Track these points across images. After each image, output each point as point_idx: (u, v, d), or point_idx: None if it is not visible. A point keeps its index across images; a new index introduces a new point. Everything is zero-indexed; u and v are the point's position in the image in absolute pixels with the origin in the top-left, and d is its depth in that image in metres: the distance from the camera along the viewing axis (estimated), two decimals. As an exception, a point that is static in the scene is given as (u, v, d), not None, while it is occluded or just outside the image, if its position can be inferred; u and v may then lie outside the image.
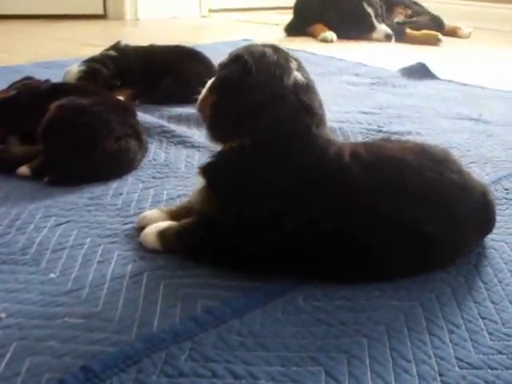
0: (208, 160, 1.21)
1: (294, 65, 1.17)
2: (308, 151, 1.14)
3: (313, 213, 1.12)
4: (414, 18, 4.49)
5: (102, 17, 4.77)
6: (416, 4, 4.74)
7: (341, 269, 1.14)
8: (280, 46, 1.23)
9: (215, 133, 1.20)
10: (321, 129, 1.17)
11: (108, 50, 2.36)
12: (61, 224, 1.34)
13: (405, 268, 1.16)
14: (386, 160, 1.19)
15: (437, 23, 4.56)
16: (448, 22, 4.69)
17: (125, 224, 1.36)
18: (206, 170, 1.20)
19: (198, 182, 1.23)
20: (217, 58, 2.84)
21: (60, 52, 3.31)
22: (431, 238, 1.15)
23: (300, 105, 1.14)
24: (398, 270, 1.15)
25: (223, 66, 1.21)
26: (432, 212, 1.15)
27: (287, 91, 1.13)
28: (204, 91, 1.24)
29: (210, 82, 1.24)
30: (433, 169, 1.18)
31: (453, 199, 1.18)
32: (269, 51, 1.18)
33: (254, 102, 1.13)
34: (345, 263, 1.13)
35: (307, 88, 1.17)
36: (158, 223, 1.28)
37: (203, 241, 1.19)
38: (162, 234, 1.24)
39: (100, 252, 1.24)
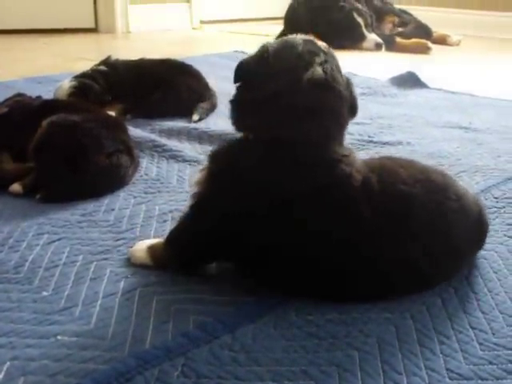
0: (219, 145, 1.21)
1: (319, 59, 1.09)
2: (307, 163, 1.10)
3: (296, 233, 1.10)
4: (400, 29, 4.50)
5: (94, 30, 4.78)
6: (405, 12, 4.77)
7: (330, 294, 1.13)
8: (314, 40, 1.16)
9: (231, 121, 1.17)
10: (332, 139, 1.12)
11: (98, 65, 2.38)
12: (53, 241, 1.35)
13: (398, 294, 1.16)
14: (395, 194, 1.14)
15: (424, 31, 4.59)
16: (437, 30, 4.72)
17: (117, 240, 1.36)
18: (212, 153, 1.19)
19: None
20: (208, 70, 2.90)
21: (52, 67, 3.32)
22: (430, 274, 1.15)
23: (303, 107, 1.08)
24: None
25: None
26: (432, 249, 1.14)
27: (296, 87, 1.08)
28: None
29: None
30: (436, 201, 1.16)
31: (452, 230, 1.17)
32: (299, 42, 1.12)
33: (262, 93, 1.09)
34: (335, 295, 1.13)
35: (323, 87, 1.09)
36: (148, 240, 1.28)
37: (191, 238, 1.19)
38: (151, 247, 1.25)
39: (92, 269, 1.24)
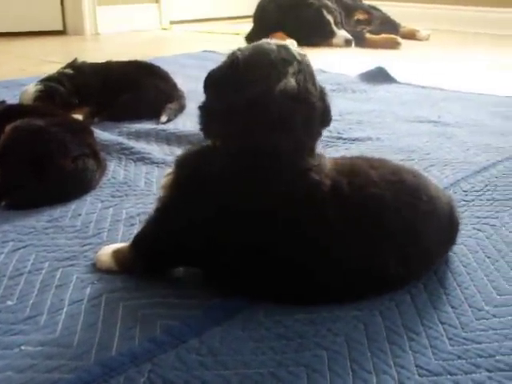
0: (186, 150, 1.20)
1: (292, 68, 1.07)
2: (272, 176, 1.08)
3: (264, 240, 1.08)
4: (368, 28, 4.52)
5: (62, 33, 4.74)
6: (374, 8, 4.79)
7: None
8: (289, 46, 1.12)
9: (200, 127, 1.15)
10: (302, 150, 1.10)
11: (65, 67, 2.35)
12: (19, 249, 1.32)
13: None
14: (366, 198, 1.12)
15: (392, 26, 4.62)
16: (406, 25, 4.75)
17: (83, 246, 1.34)
18: (179, 158, 1.17)
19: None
20: (177, 70, 2.88)
21: (19, 70, 3.28)
22: (401, 276, 1.15)
23: (275, 118, 1.05)
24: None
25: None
26: (403, 251, 1.13)
27: (268, 98, 1.05)
28: None
29: None
30: (407, 203, 1.15)
31: (424, 232, 1.16)
32: (272, 49, 1.08)
33: (231, 103, 1.07)
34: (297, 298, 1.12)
35: (296, 98, 1.06)
36: (113, 244, 1.26)
37: (156, 236, 1.17)
38: (116, 252, 1.24)
39: (58, 276, 1.22)
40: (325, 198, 1.10)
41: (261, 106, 1.05)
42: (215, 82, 1.11)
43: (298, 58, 1.10)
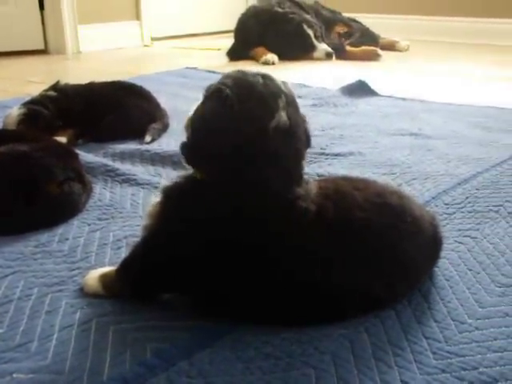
0: (174, 180, 1.18)
1: (281, 102, 1.08)
2: (263, 208, 1.09)
3: (246, 269, 1.09)
4: (347, 41, 4.57)
5: (43, 52, 4.75)
6: (354, 21, 4.84)
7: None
8: (271, 76, 1.13)
9: (185, 161, 1.15)
10: (292, 181, 1.12)
11: (47, 90, 2.35)
12: (7, 275, 1.33)
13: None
14: (351, 221, 1.14)
15: (371, 38, 4.68)
16: (386, 36, 4.80)
17: (72, 270, 1.35)
18: (166, 190, 1.17)
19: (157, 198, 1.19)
20: (159, 88, 2.90)
21: (2, 91, 3.28)
22: (385, 298, 1.17)
23: (270, 154, 1.07)
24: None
25: (207, 96, 1.12)
26: (388, 274, 1.15)
27: (263, 137, 1.06)
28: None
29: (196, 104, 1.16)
30: (391, 225, 1.17)
31: (408, 253, 1.18)
32: (258, 83, 1.09)
33: (225, 141, 1.06)
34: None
35: (288, 133, 1.08)
36: (101, 268, 1.28)
37: (143, 264, 1.18)
38: (103, 276, 1.25)
39: (48, 302, 1.23)
40: (310, 223, 1.11)
41: (256, 144, 1.06)
42: (207, 122, 1.09)
43: (284, 88, 1.11)
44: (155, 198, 1.19)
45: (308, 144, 1.17)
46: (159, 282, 1.18)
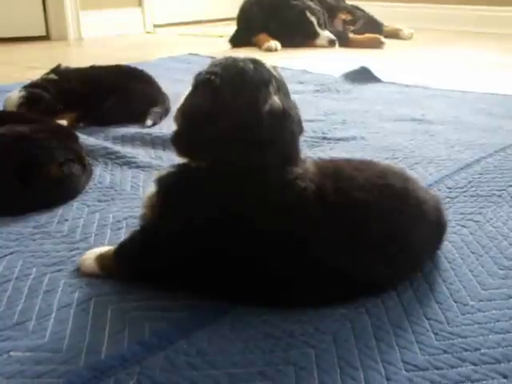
0: (167, 170, 1.17)
1: (273, 87, 1.08)
2: (264, 189, 1.09)
3: (247, 250, 1.08)
4: (352, 28, 4.54)
5: (45, 38, 4.73)
6: (358, 8, 4.81)
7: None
8: (261, 61, 1.12)
9: (177, 149, 1.14)
10: (288, 163, 1.11)
11: (48, 73, 2.34)
12: (5, 255, 1.32)
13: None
14: (351, 202, 1.13)
15: (375, 26, 4.65)
16: (390, 24, 4.77)
17: (71, 251, 1.34)
18: (161, 180, 1.16)
19: (151, 188, 1.18)
20: (162, 73, 2.88)
21: (3, 76, 3.27)
22: (386, 281, 1.16)
23: (265, 138, 1.07)
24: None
25: (196, 86, 1.11)
26: (389, 257, 1.14)
27: (257, 121, 1.06)
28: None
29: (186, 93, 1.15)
30: (394, 208, 1.16)
31: (411, 237, 1.17)
32: (248, 69, 1.08)
33: (219, 129, 1.06)
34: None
35: (282, 116, 1.08)
36: (98, 248, 1.27)
37: (139, 251, 1.17)
38: (100, 256, 1.24)
39: (46, 281, 1.22)
40: (310, 202, 1.10)
41: (251, 129, 1.06)
42: (198, 115, 1.08)
43: (274, 73, 1.11)
44: (150, 187, 1.18)
45: (300, 129, 1.16)
46: (157, 269, 1.17)
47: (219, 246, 1.09)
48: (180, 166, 1.15)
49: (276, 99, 1.08)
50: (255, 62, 1.11)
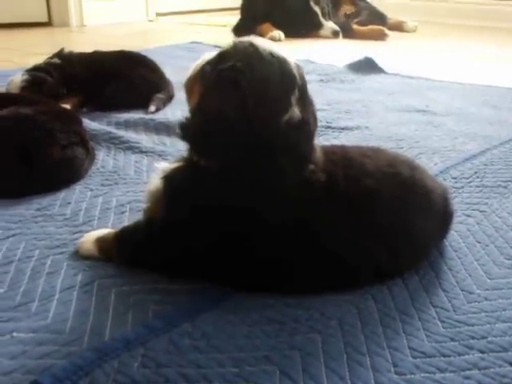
0: (174, 165, 1.14)
1: (294, 96, 1.04)
2: (275, 196, 1.07)
3: (257, 241, 1.07)
4: (355, 20, 4.53)
5: (47, 24, 4.71)
6: (362, 0, 4.79)
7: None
8: (285, 58, 1.06)
9: (192, 146, 1.11)
10: (304, 164, 1.09)
11: (52, 57, 2.32)
12: (8, 237, 1.31)
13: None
14: (361, 190, 1.12)
15: (379, 18, 4.63)
16: (393, 17, 4.76)
17: (74, 234, 1.33)
18: (168, 176, 1.13)
19: (157, 182, 1.15)
20: (165, 60, 2.86)
21: (5, 61, 3.25)
22: (392, 270, 1.15)
23: (282, 146, 1.04)
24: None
25: (219, 80, 1.05)
26: (396, 246, 1.13)
27: (275, 131, 1.03)
28: (193, 72, 1.13)
29: (199, 63, 1.12)
30: (402, 197, 1.15)
31: (418, 226, 1.16)
32: (273, 73, 1.03)
33: (238, 135, 1.03)
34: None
35: (299, 126, 1.05)
36: (97, 231, 1.26)
37: (143, 243, 1.16)
38: (99, 239, 1.23)
39: (49, 263, 1.21)
40: (321, 192, 1.09)
41: (268, 137, 1.03)
42: (219, 115, 1.04)
43: (296, 74, 1.06)
44: (155, 180, 1.15)
45: (316, 125, 1.13)
46: (156, 257, 1.16)
47: (228, 242, 1.08)
48: (187, 164, 1.12)
49: (296, 110, 1.04)
50: (280, 60, 1.06)
